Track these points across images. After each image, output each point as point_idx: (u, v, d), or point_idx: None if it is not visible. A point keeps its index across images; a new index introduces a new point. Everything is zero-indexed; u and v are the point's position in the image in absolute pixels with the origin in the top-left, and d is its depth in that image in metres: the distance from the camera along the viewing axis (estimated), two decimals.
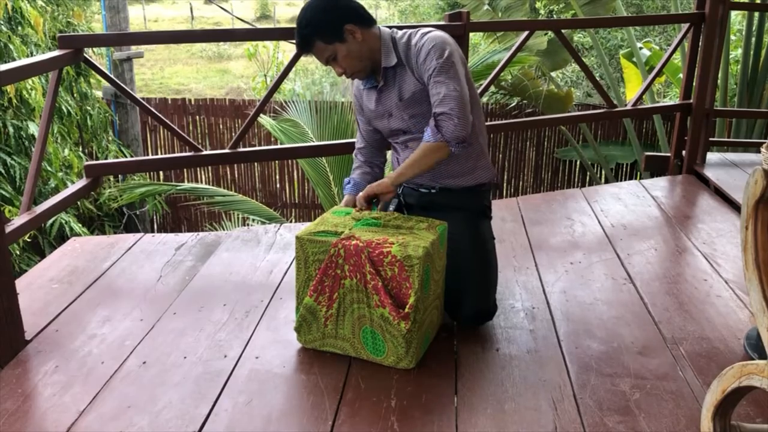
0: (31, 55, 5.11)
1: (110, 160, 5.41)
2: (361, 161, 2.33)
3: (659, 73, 3.78)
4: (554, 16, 8.06)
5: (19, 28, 5.18)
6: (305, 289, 1.92)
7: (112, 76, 2.99)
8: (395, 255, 1.80)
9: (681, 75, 4.73)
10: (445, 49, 2.02)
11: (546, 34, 5.63)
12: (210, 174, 7.53)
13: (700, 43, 3.57)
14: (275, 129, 4.97)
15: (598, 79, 4.28)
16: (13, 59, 4.82)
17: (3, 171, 4.83)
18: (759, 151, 3.42)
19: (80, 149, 5.98)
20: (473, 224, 2.15)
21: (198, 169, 7.38)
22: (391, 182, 2.03)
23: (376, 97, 2.17)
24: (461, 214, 2.12)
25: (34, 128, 4.98)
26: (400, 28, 2.20)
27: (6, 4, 4.95)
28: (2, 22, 4.97)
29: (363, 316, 1.87)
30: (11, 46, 4.93)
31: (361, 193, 2.05)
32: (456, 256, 2.05)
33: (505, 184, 7.74)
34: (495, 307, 2.13)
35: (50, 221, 5.07)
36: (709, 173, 3.55)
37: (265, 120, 5.21)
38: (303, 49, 2.12)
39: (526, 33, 3.33)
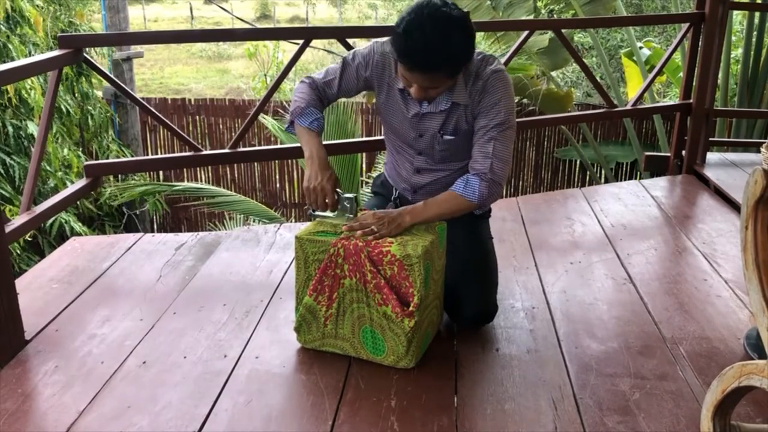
0: (30, 55, 5.12)
1: (110, 160, 5.41)
2: (320, 97, 2.05)
3: (659, 73, 3.78)
4: (554, 15, 8.06)
5: (18, 27, 5.18)
6: (305, 288, 1.92)
7: (112, 76, 2.99)
8: (394, 254, 1.80)
9: (681, 75, 4.73)
10: (513, 105, 1.92)
11: (546, 33, 5.62)
12: (210, 174, 7.53)
13: (700, 43, 3.57)
14: (277, 129, 4.97)
15: (598, 79, 4.28)
16: (12, 59, 4.82)
17: (2, 171, 4.83)
18: (759, 151, 3.43)
19: (81, 149, 5.98)
20: (472, 225, 2.14)
21: (198, 169, 7.39)
22: (411, 220, 1.89)
23: (416, 112, 1.98)
24: (459, 218, 2.11)
25: (33, 128, 4.99)
26: None
27: (5, 4, 4.95)
28: (1, 22, 4.97)
29: (362, 316, 1.87)
30: (10, 46, 4.93)
31: (370, 218, 1.88)
32: (455, 258, 2.04)
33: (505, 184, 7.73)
34: (495, 308, 2.12)
35: (50, 221, 5.08)
36: (709, 173, 3.55)
37: (267, 120, 5.21)
38: (421, 71, 1.78)
39: (526, 33, 3.33)
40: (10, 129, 4.92)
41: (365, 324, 1.88)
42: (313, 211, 1.97)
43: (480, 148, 1.92)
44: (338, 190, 1.95)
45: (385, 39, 1.97)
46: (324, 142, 2.06)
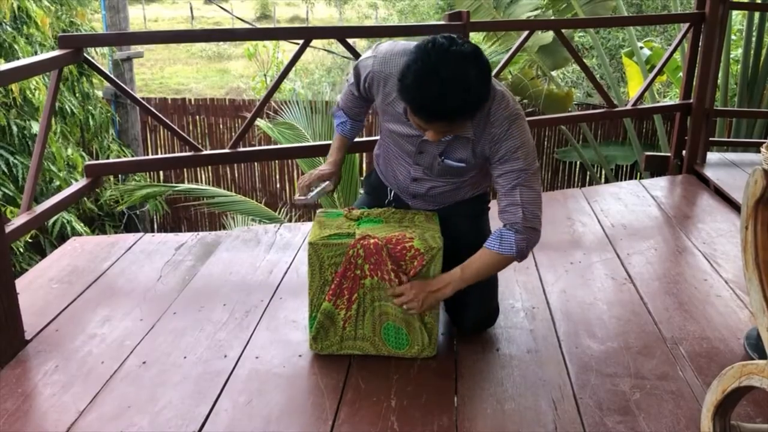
0: (36, 55, 5.12)
1: (110, 160, 5.42)
2: (356, 99, 2.08)
3: (659, 73, 3.78)
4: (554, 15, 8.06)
5: (24, 27, 5.19)
6: (320, 294, 1.89)
7: (112, 76, 2.99)
8: (418, 248, 1.82)
9: (681, 75, 4.73)
10: (533, 149, 1.81)
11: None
12: (210, 174, 7.53)
13: (700, 43, 3.57)
14: (272, 131, 4.97)
15: (598, 79, 4.28)
16: (18, 59, 4.83)
17: (6, 170, 4.84)
18: (759, 151, 3.43)
19: (82, 149, 5.98)
20: (473, 226, 2.12)
21: (198, 169, 7.39)
22: (452, 291, 1.85)
23: (418, 134, 1.86)
24: (461, 218, 2.09)
25: (37, 128, 4.99)
26: None
27: (12, 4, 4.96)
28: (7, 22, 4.98)
29: (384, 313, 1.89)
30: (16, 46, 4.94)
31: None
32: (458, 261, 2.02)
33: None
34: (497, 311, 2.13)
35: (52, 221, 5.08)
36: (709, 173, 3.55)
37: (261, 123, 5.19)
38: (441, 120, 1.64)
39: (526, 32, 3.33)
40: (15, 128, 4.93)
41: (387, 320, 1.89)
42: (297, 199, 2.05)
43: (507, 198, 1.81)
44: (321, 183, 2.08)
45: (380, 53, 1.87)
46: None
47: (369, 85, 1.93)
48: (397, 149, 2.01)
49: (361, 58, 1.99)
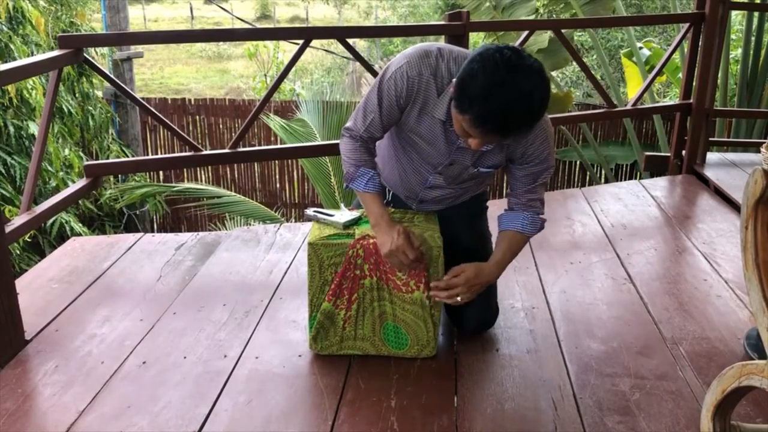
0: (32, 55, 5.12)
1: (110, 160, 5.42)
2: (367, 148, 1.91)
3: (659, 73, 3.78)
4: (554, 15, 8.06)
5: (20, 27, 5.18)
6: (320, 294, 1.89)
7: (112, 76, 2.99)
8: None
9: (681, 75, 4.73)
10: (553, 149, 1.89)
11: (546, 32, 5.62)
12: (210, 174, 7.53)
13: (699, 43, 3.57)
14: (281, 129, 4.97)
15: (598, 79, 4.29)
16: (14, 59, 4.83)
17: (3, 171, 4.84)
18: (759, 151, 3.43)
19: (82, 149, 5.98)
20: (472, 226, 2.12)
21: (198, 169, 7.38)
22: (497, 271, 1.91)
23: (448, 144, 1.84)
24: (460, 218, 2.08)
25: (34, 128, 4.99)
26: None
27: (7, 4, 4.95)
28: (2, 23, 4.97)
29: (384, 313, 1.89)
30: (12, 46, 4.93)
31: (466, 281, 1.83)
32: (458, 263, 2.01)
33: (504, 184, 7.74)
34: (497, 312, 2.12)
35: (51, 221, 5.08)
36: (709, 173, 3.55)
37: (272, 121, 5.19)
38: (500, 135, 1.61)
39: (526, 33, 3.33)
40: (12, 129, 4.93)
41: (387, 320, 1.89)
42: (313, 212, 1.97)
43: (528, 194, 1.91)
44: (342, 205, 1.99)
45: (415, 54, 1.76)
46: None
47: (408, 94, 1.78)
48: (419, 159, 1.94)
49: (386, 76, 1.79)
